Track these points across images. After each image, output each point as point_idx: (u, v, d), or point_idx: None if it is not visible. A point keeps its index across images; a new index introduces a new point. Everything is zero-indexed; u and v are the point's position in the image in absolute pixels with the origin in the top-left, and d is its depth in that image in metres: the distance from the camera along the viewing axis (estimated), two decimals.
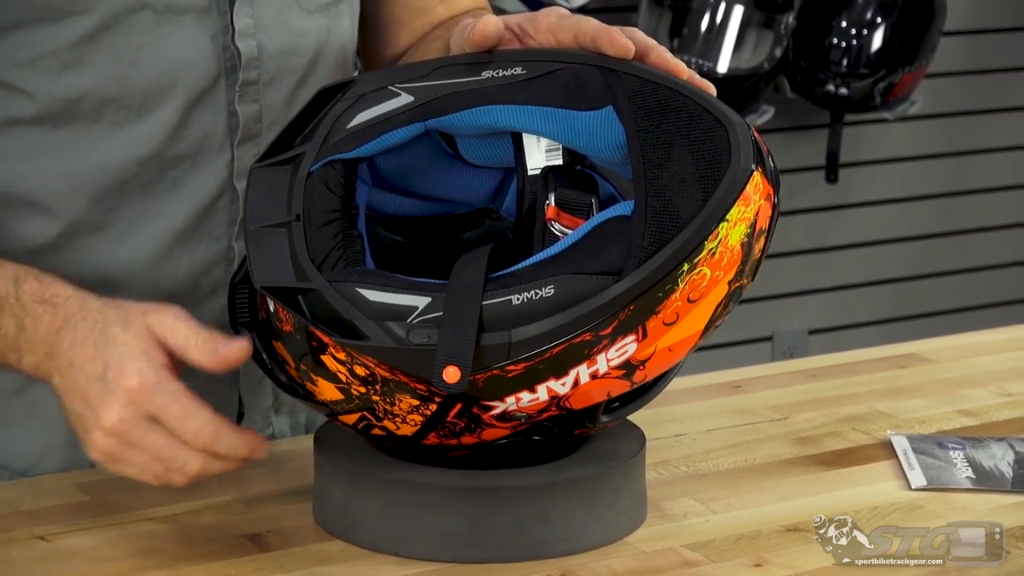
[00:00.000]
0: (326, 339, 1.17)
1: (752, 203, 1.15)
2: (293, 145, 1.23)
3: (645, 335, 1.15)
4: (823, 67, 3.52)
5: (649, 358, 1.17)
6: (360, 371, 1.18)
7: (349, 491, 1.24)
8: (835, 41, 3.51)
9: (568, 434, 1.24)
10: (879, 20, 3.52)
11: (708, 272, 1.14)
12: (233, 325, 1.26)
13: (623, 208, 1.16)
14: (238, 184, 1.38)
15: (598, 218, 1.16)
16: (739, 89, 3.36)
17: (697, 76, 1.21)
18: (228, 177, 1.39)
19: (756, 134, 1.18)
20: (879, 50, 3.52)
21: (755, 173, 1.15)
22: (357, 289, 1.16)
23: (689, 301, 1.15)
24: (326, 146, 1.22)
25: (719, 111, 1.17)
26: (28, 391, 1.39)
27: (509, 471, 1.23)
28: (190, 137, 1.36)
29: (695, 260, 1.13)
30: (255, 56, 1.37)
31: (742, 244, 1.15)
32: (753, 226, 1.16)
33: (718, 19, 3.35)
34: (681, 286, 1.14)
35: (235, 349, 1.20)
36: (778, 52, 3.41)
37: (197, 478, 1.21)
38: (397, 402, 1.19)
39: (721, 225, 1.14)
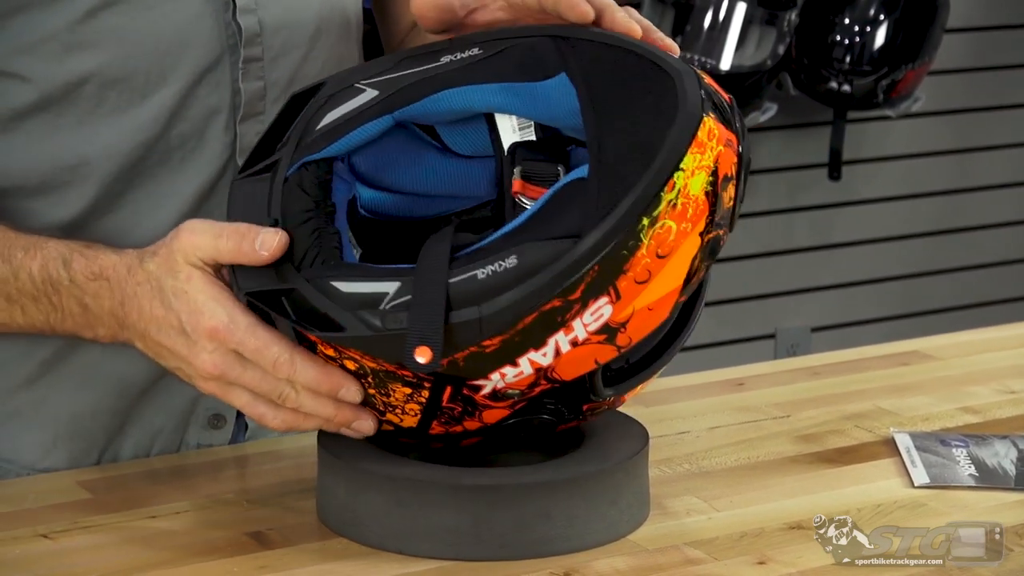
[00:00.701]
0: (313, 337, 1.17)
1: (709, 149, 1.14)
2: (273, 153, 1.24)
3: (619, 296, 1.14)
4: (826, 64, 3.52)
5: (628, 319, 1.15)
6: (350, 365, 1.18)
7: (352, 489, 1.24)
8: (838, 38, 3.51)
9: (575, 411, 1.23)
10: (882, 17, 3.52)
11: (673, 225, 1.13)
12: None
13: (581, 171, 1.15)
14: (241, 162, 1.38)
15: (558, 184, 1.17)
16: (742, 86, 3.36)
17: (658, 35, 1.21)
18: (231, 155, 1.39)
19: (712, 82, 1.17)
20: (882, 47, 3.52)
21: (705, 119, 1.14)
22: (331, 282, 1.17)
23: (659, 256, 1.13)
24: (298, 149, 1.23)
25: (667, 64, 1.16)
26: (34, 385, 1.40)
27: (512, 469, 1.23)
28: (194, 117, 1.36)
29: (654, 213, 1.12)
30: (257, 32, 1.37)
31: (706, 193, 1.14)
32: (715, 173, 1.14)
33: (721, 16, 3.35)
34: (646, 241, 1.12)
35: (269, 244, 1.18)
36: (781, 49, 3.41)
37: (310, 416, 1.21)
38: (391, 393, 1.19)
39: (676, 175, 1.12)
